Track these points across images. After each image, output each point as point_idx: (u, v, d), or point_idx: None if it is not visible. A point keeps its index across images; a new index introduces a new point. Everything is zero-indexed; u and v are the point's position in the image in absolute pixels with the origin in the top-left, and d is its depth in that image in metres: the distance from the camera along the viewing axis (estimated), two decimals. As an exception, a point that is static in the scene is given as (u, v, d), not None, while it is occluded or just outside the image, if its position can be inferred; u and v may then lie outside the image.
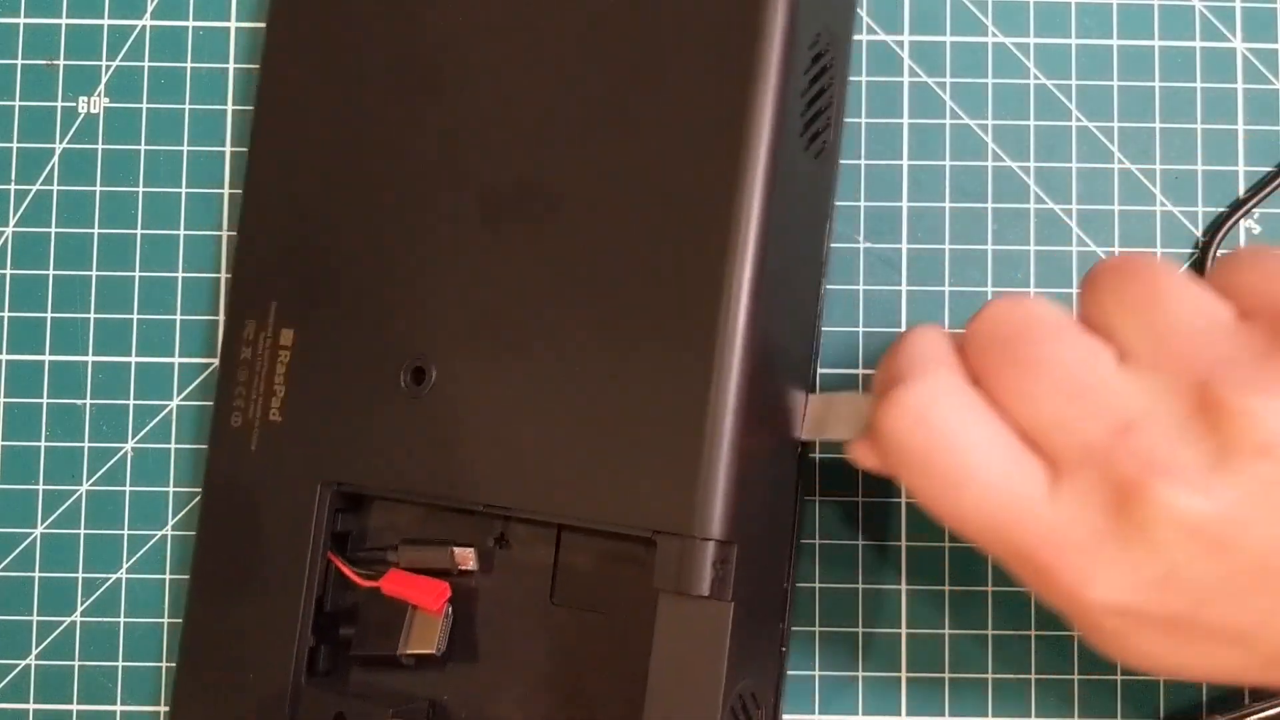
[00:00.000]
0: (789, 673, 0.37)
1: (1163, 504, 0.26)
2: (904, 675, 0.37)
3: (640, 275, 0.32)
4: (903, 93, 0.39)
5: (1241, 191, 0.39)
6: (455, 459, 0.33)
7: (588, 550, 0.34)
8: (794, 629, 0.37)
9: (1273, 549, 0.26)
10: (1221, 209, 0.39)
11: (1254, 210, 0.39)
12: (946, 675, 0.37)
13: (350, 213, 0.35)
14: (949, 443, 0.27)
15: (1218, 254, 0.38)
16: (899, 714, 0.37)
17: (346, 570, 0.35)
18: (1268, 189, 0.38)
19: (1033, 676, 0.37)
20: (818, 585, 0.37)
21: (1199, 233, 0.39)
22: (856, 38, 0.39)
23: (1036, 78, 0.39)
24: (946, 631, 0.37)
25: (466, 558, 0.35)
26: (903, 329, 0.38)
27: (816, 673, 0.37)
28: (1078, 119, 0.39)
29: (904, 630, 0.37)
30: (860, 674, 0.37)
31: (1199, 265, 0.38)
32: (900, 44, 0.39)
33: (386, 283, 0.35)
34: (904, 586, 0.37)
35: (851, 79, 0.39)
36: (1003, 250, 0.39)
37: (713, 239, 0.31)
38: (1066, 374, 0.27)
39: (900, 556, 0.37)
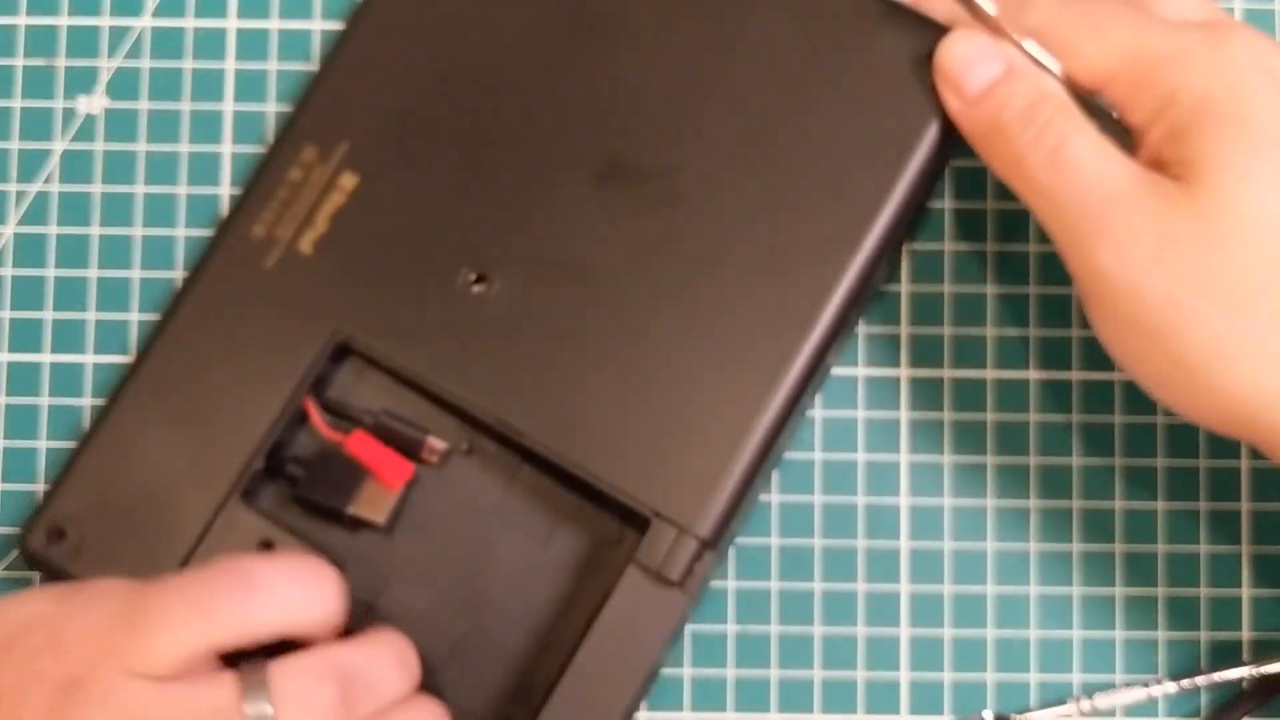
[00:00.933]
0: (789, 671, 0.37)
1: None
2: (904, 675, 0.37)
3: (733, 285, 0.34)
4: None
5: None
6: (485, 367, 0.34)
7: (542, 491, 0.35)
8: (794, 629, 0.37)
9: None
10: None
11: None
12: (947, 675, 0.37)
13: (467, 100, 0.36)
14: (1050, 115, 0.32)
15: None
16: (898, 714, 0.37)
17: (316, 417, 0.35)
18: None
19: (1032, 677, 0.37)
20: (817, 586, 0.37)
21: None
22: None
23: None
24: (947, 631, 0.37)
25: (435, 450, 0.35)
26: (901, 327, 0.38)
27: (816, 673, 0.37)
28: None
29: (904, 630, 0.37)
30: (860, 674, 0.37)
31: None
32: (900, 44, 0.39)
33: (478, 184, 0.35)
34: (904, 586, 0.37)
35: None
36: (1003, 250, 0.39)
37: (811, 291, 0.34)
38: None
39: (900, 557, 0.37)
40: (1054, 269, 0.38)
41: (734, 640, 0.37)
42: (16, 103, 0.39)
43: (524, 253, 0.35)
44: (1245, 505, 0.37)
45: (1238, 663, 0.37)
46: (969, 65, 0.33)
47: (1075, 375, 0.38)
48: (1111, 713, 0.37)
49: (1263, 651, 0.37)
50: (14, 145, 0.39)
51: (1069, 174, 0.31)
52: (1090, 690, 0.37)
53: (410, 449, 0.35)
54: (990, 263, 0.38)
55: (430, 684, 0.33)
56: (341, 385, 0.36)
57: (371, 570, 0.35)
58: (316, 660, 0.31)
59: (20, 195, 0.39)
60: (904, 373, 0.38)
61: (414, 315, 0.35)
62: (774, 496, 0.37)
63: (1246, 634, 0.37)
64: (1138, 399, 0.35)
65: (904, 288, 0.38)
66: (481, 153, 0.35)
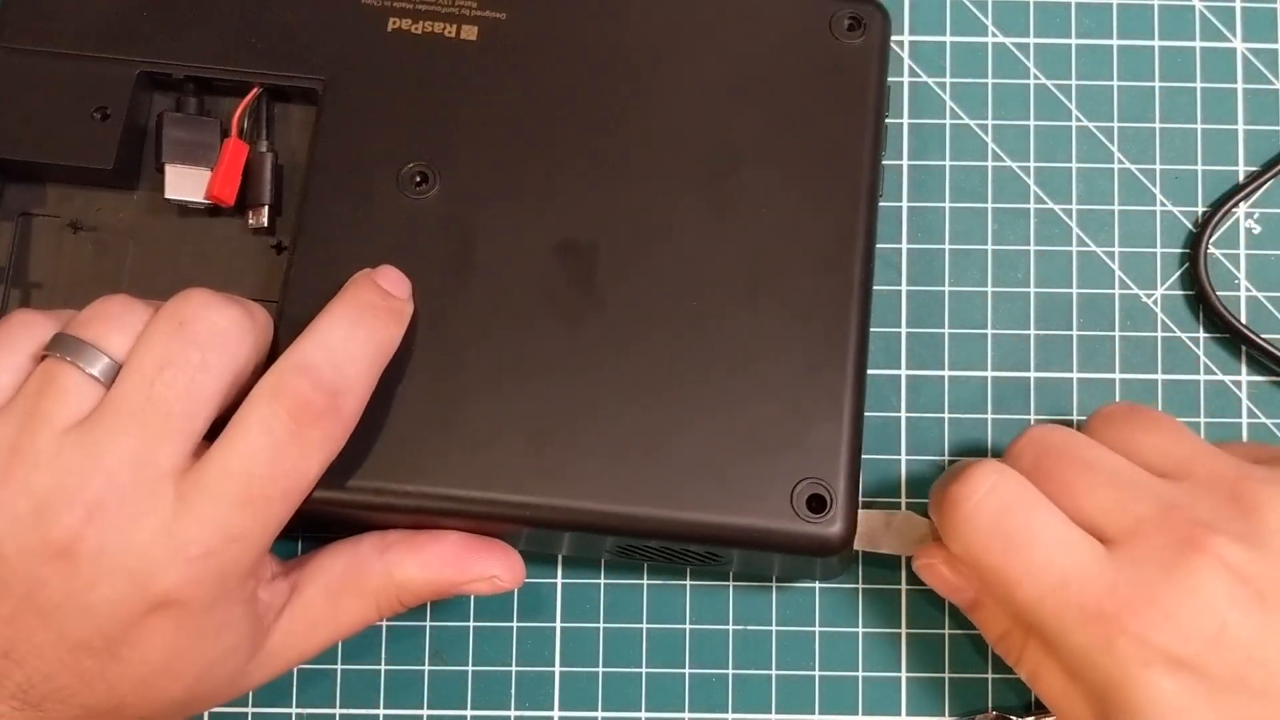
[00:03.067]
0: (789, 671, 0.37)
1: (1214, 553, 0.30)
2: (904, 675, 0.37)
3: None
4: (903, 93, 0.39)
5: (1241, 191, 0.39)
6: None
7: None
8: (794, 628, 0.37)
9: None
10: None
11: (1253, 211, 0.39)
12: (947, 675, 0.37)
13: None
14: (1024, 507, 0.31)
15: (1208, 250, 0.38)
16: (898, 714, 0.37)
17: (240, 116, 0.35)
18: (1252, 185, 0.39)
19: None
20: (816, 587, 0.37)
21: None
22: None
23: (1036, 78, 0.39)
24: (946, 631, 0.37)
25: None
26: (901, 324, 0.38)
27: (816, 672, 0.37)
28: (1078, 119, 0.39)
29: (904, 630, 0.37)
30: (860, 674, 0.37)
31: (1191, 260, 0.38)
32: (900, 44, 0.39)
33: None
34: (904, 587, 0.37)
35: None
36: (1002, 250, 0.39)
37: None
38: (1116, 468, 0.32)
39: (900, 559, 0.37)
40: (1054, 269, 0.38)
41: (734, 640, 0.37)
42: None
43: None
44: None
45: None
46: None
47: (1076, 375, 0.38)
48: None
49: None
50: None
51: None
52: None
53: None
54: (990, 262, 0.38)
55: None
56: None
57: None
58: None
59: None
60: (904, 372, 0.38)
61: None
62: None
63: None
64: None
65: (904, 287, 0.38)
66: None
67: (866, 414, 0.34)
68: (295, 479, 0.30)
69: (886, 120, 0.35)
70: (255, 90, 0.35)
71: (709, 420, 0.33)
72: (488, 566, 0.33)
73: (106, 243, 0.35)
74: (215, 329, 0.30)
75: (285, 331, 0.32)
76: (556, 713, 0.37)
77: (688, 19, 0.35)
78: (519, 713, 0.37)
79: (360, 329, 0.31)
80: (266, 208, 0.35)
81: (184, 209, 0.35)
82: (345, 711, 0.37)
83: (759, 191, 0.34)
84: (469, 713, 0.37)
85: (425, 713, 0.37)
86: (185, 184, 0.35)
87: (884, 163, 0.35)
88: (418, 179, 0.34)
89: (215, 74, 0.35)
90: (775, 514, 0.32)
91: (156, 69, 0.35)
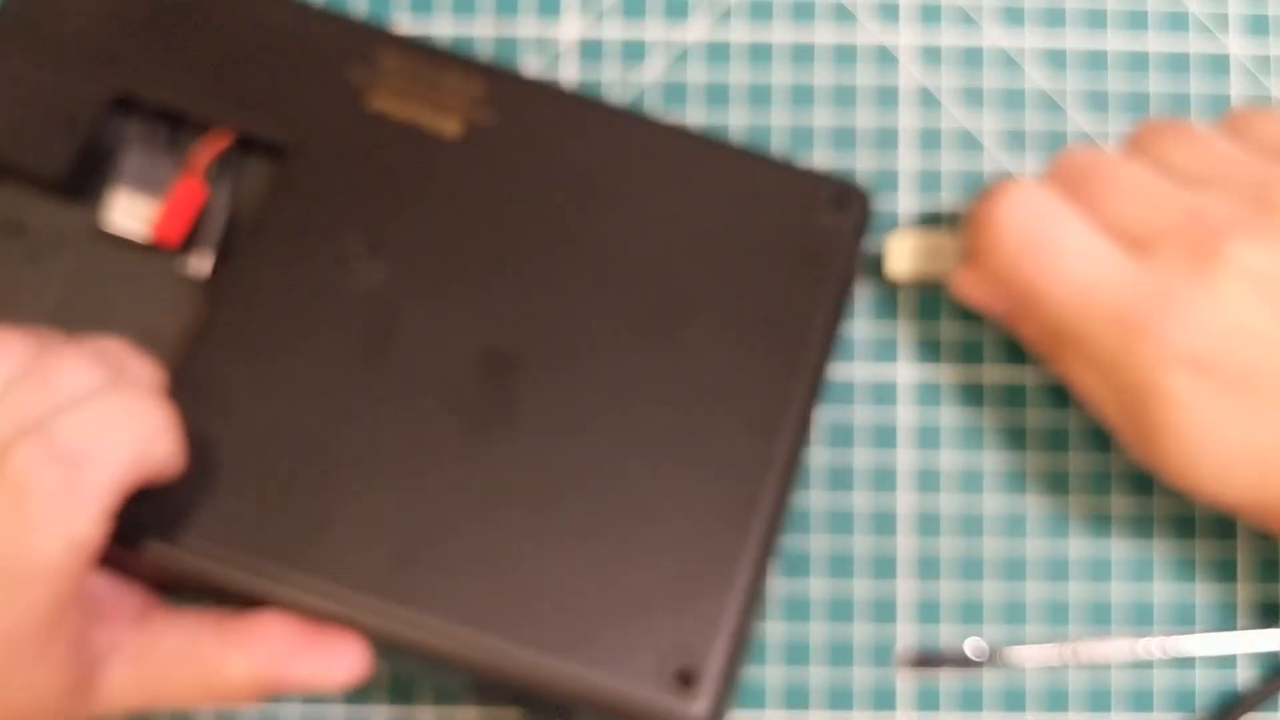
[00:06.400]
0: (789, 670, 0.37)
1: (1232, 256, 0.31)
2: (903, 673, 0.37)
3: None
4: (903, 93, 0.39)
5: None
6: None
7: None
8: (794, 628, 0.37)
9: None
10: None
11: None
12: (946, 673, 0.37)
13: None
14: (1051, 220, 0.33)
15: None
16: (898, 713, 0.37)
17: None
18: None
19: (1029, 678, 0.37)
20: (816, 587, 0.37)
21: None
22: (855, 40, 0.39)
23: (1036, 78, 0.39)
24: (946, 629, 0.37)
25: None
26: (900, 324, 0.38)
27: (815, 671, 0.37)
28: (1076, 120, 0.39)
29: (903, 629, 0.37)
30: (859, 673, 0.37)
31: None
32: (900, 44, 0.39)
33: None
34: (903, 585, 0.37)
35: (851, 79, 0.39)
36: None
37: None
38: (1144, 181, 0.33)
39: (900, 558, 0.37)
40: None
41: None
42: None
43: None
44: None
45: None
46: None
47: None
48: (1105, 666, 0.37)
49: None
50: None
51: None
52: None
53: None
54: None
55: None
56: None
57: None
58: None
59: None
60: (902, 372, 0.38)
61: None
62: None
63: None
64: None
65: (903, 287, 0.39)
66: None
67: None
68: (31, 561, 0.26)
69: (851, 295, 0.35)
70: (230, 137, 0.34)
71: (592, 563, 0.31)
72: (314, 663, 0.30)
73: (41, 254, 0.34)
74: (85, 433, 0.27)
75: (180, 383, 0.31)
76: (556, 712, 0.37)
77: (670, 170, 0.35)
78: (517, 712, 0.37)
79: (135, 405, 0.28)
80: (213, 258, 0.34)
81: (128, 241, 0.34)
82: (347, 707, 0.37)
83: (701, 345, 0.33)
84: (470, 711, 0.37)
85: (428, 710, 0.37)
86: (132, 212, 0.34)
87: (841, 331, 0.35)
88: (359, 255, 0.33)
89: (187, 108, 0.34)
90: (637, 677, 0.30)
91: (132, 94, 0.34)
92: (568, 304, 0.33)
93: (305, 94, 0.34)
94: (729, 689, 0.31)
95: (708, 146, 0.35)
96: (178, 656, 0.30)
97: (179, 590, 0.32)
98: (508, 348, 0.33)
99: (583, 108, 0.35)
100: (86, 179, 0.34)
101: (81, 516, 0.27)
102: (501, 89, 0.35)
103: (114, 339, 0.31)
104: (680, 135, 0.35)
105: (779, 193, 0.35)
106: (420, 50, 0.35)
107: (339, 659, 0.31)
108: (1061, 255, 0.32)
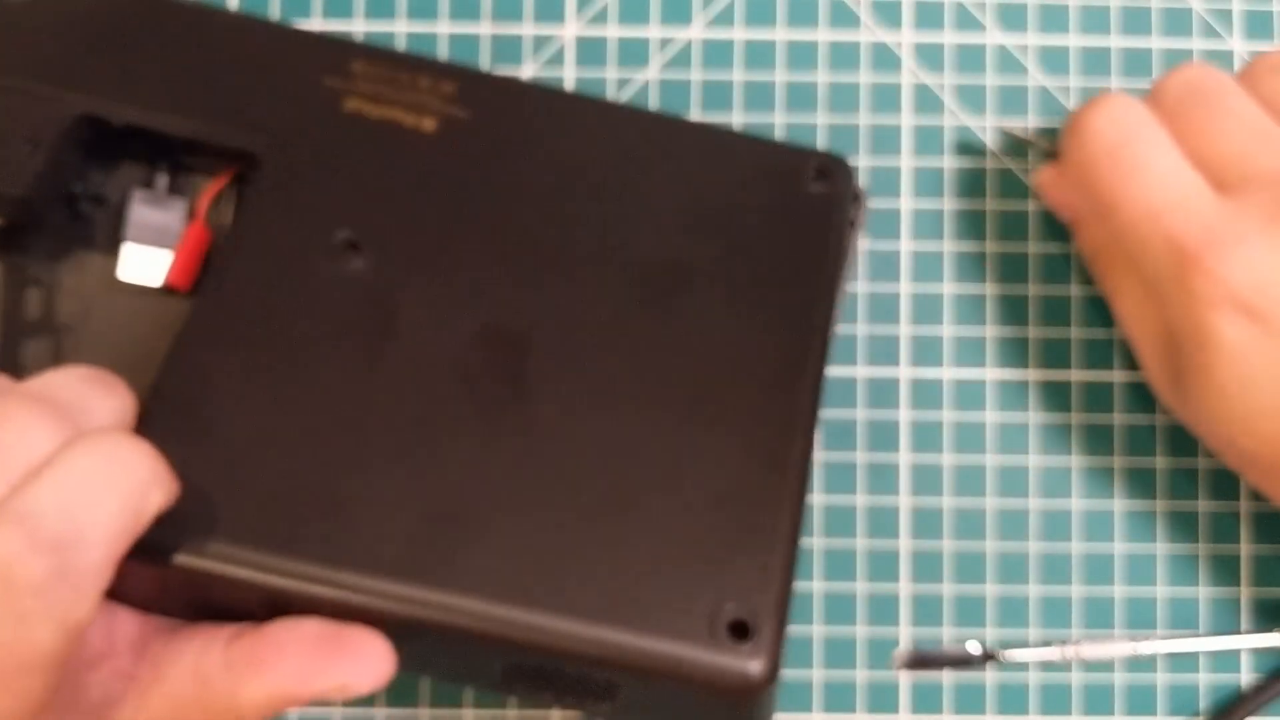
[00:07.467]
0: (787, 670, 0.37)
1: None
2: (903, 673, 0.37)
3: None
4: (903, 93, 0.39)
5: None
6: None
7: None
8: (794, 628, 0.37)
9: None
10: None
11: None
12: (946, 674, 0.37)
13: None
14: (1139, 134, 0.33)
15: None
16: (897, 713, 0.37)
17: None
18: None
19: (1030, 678, 0.37)
20: (816, 585, 0.37)
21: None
22: (856, 38, 0.39)
23: (1036, 78, 0.39)
24: (946, 630, 0.37)
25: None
26: (900, 324, 0.38)
27: (816, 672, 0.37)
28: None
29: (903, 629, 0.37)
30: (859, 674, 0.37)
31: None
32: (900, 44, 0.39)
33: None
34: (903, 585, 0.37)
35: (851, 79, 0.39)
36: (1002, 250, 0.39)
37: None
38: (1253, 118, 0.33)
39: (899, 557, 0.37)
40: (1054, 270, 0.38)
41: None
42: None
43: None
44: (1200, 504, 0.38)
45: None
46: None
47: (1074, 375, 0.38)
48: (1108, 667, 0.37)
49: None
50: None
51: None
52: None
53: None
54: (990, 262, 0.39)
55: None
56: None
57: None
58: None
59: None
60: (903, 372, 0.38)
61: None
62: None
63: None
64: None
65: (903, 288, 0.38)
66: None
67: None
68: (24, 654, 0.24)
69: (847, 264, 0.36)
70: (228, 175, 0.34)
71: (627, 529, 0.30)
72: (336, 673, 0.28)
73: (57, 307, 0.34)
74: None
75: (168, 391, 0.31)
76: (556, 712, 0.37)
77: (656, 146, 0.35)
78: (518, 712, 0.37)
79: (114, 466, 0.26)
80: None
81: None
82: (347, 708, 0.37)
83: (706, 309, 0.33)
84: (469, 711, 0.37)
85: (426, 711, 0.37)
86: (144, 266, 0.34)
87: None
88: (347, 248, 0.33)
89: (152, 124, 0.34)
90: (691, 636, 0.29)
91: (98, 111, 0.34)
92: (568, 281, 0.33)
93: (277, 103, 0.34)
94: (779, 646, 0.30)
95: (690, 128, 0.36)
96: (187, 690, 0.28)
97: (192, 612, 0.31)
98: (513, 327, 0.33)
99: (559, 99, 0.36)
100: (49, 202, 0.34)
101: (76, 602, 0.25)
102: (472, 87, 0.35)
103: (68, 369, 0.28)
104: (657, 119, 0.36)
105: (763, 166, 0.35)
106: (389, 56, 0.35)
107: (360, 665, 0.29)
108: (1144, 171, 0.33)
